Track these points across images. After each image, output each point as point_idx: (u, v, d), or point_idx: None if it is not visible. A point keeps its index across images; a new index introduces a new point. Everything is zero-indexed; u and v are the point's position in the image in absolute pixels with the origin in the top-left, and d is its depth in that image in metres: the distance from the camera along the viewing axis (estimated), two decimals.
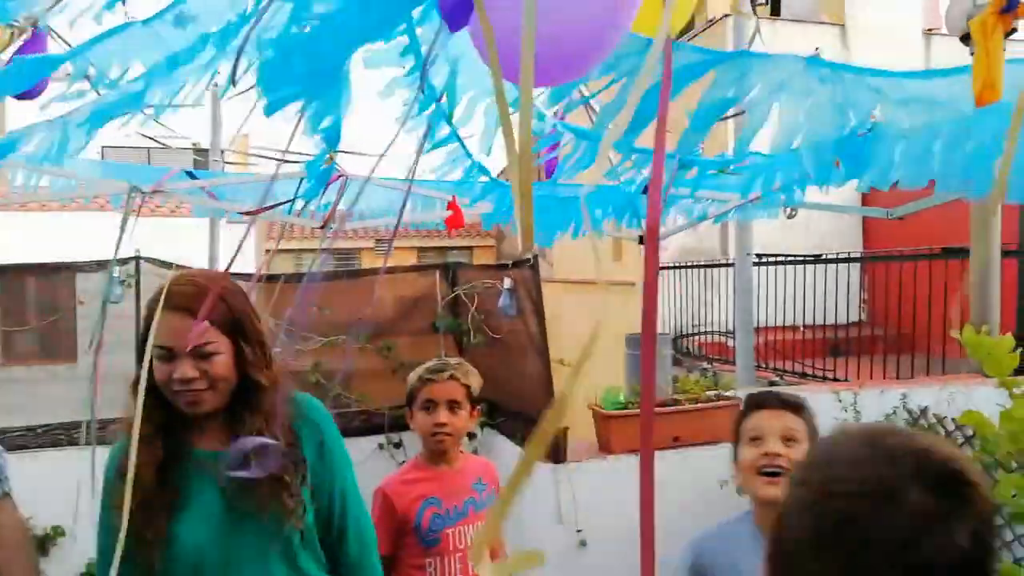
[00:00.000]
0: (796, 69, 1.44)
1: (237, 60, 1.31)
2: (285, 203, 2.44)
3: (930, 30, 10.70)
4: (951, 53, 8.87)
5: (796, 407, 1.82)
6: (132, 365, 4.78)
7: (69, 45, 1.53)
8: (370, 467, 5.33)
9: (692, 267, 9.09)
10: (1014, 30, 0.88)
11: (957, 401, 3.44)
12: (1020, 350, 2.68)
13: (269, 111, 1.15)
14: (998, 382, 2.71)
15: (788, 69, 1.42)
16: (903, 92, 1.48)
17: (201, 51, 1.42)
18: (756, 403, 1.87)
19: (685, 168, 2.29)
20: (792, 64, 1.44)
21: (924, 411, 3.55)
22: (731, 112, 1.61)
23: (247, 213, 2.96)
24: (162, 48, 1.46)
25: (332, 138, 1.98)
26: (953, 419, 3.37)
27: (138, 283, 4.79)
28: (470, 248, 20.32)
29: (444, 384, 2.24)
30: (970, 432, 3.27)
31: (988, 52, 0.83)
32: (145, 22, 1.29)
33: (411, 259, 20.95)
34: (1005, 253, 5.23)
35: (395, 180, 3.45)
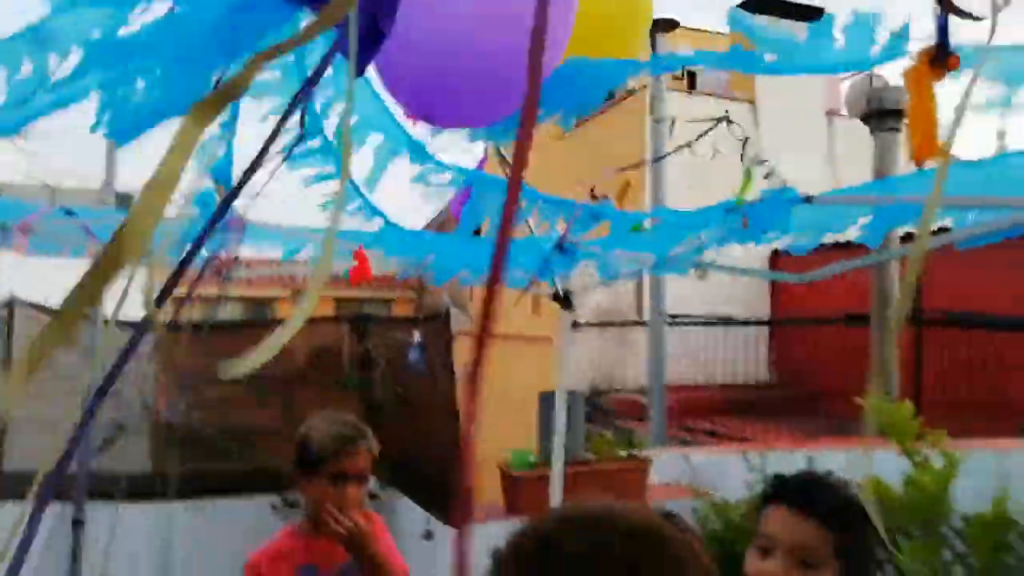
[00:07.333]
0: None
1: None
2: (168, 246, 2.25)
3: (831, 111, 11.37)
4: (851, 131, 9.43)
5: (824, 513, 1.32)
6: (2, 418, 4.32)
7: None
8: (264, 529, 4.99)
9: (607, 325, 9.17)
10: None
11: (861, 465, 3.47)
12: (920, 418, 2.73)
13: (120, 140, 1.00)
14: (900, 449, 2.75)
15: None
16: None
17: (65, 77, 1.28)
18: (775, 493, 1.39)
19: (596, 220, 2.25)
20: None
21: (828, 475, 3.57)
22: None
23: None
24: (16, 71, 1.30)
25: (222, 170, 1.83)
26: (858, 483, 3.38)
27: (10, 329, 4.37)
28: (389, 301, 19.98)
29: (357, 458, 2.02)
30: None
31: (922, 105, 0.80)
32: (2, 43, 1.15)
33: (328, 310, 20.38)
34: (905, 320, 5.45)
35: (302, 229, 3.28)
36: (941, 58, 0.78)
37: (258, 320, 12.14)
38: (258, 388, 4.98)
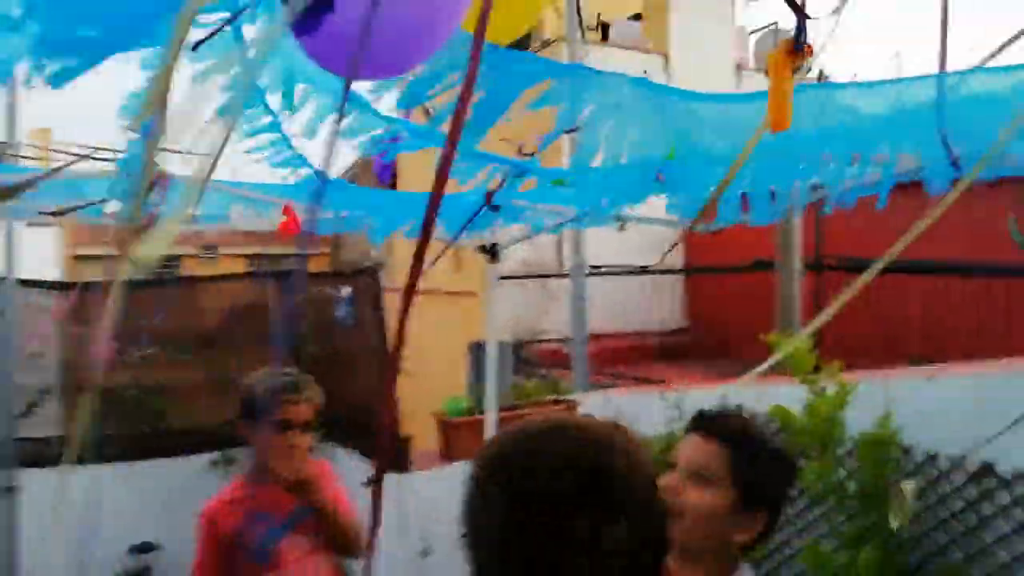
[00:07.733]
0: (625, 88, 1.53)
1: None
2: (90, 204, 2.24)
3: (739, 65, 11.75)
4: (758, 84, 9.78)
5: (724, 435, 1.41)
6: None
7: None
8: (202, 487, 4.98)
9: (531, 277, 9.37)
10: (799, 68, 1.03)
11: (768, 397, 3.76)
12: (817, 352, 3.01)
13: (56, 82, 1.04)
14: (800, 379, 3.03)
15: (618, 88, 1.51)
16: (721, 116, 1.62)
17: None
18: (691, 426, 1.49)
19: (522, 177, 2.36)
20: (621, 83, 1.52)
21: (739, 408, 3.86)
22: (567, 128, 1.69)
23: (51, 214, 2.69)
24: None
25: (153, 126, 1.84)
26: (765, 413, 3.68)
27: None
28: (305, 256, 19.49)
29: (301, 407, 2.09)
30: (777, 425, 3.59)
31: (779, 86, 0.97)
32: None
33: (240, 268, 19.81)
34: (807, 266, 5.82)
35: (228, 184, 3.26)
36: (799, 47, 0.98)
37: (166, 277, 11.70)
38: (180, 348, 4.92)
